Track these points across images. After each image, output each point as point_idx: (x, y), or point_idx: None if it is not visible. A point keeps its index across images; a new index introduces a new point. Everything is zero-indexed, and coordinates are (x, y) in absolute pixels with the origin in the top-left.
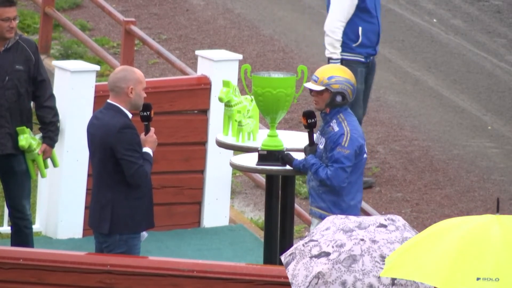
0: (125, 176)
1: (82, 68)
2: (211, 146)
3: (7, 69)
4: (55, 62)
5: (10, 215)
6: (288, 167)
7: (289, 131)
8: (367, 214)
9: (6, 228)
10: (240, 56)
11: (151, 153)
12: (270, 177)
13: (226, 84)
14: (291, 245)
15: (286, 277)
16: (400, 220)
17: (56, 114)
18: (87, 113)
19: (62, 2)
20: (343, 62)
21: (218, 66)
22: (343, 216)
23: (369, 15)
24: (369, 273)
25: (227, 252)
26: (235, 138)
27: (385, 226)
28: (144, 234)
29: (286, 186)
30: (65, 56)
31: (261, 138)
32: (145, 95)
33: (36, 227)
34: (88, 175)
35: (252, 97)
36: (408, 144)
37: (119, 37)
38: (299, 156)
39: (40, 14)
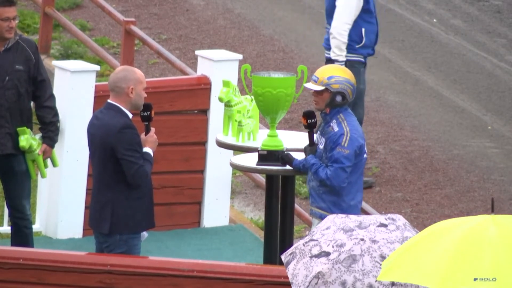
0: (126, 176)
1: (82, 68)
2: (211, 146)
3: (7, 69)
4: (55, 62)
5: (10, 215)
6: (288, 167)
7: (289, 131)
8: (367, 214)
9: (6, 228)
10: (240, 56)
11: (152, 153)
12: (270, 177)
13: (226, 84)
14: (291, 245)
15: (286, 277)
16: (400, 219)
17: (56, 114)
18: (87, 113)
19: (62, 2)
20: (346, 63)
21: (218, 66)
22: (343, 215)
23: (370, 15)
24: (369, 273)
25: (227, 252)
26: (235, 138)
27: (385, 225)
28: (145, 234)
29: (286, 186)
30: (65, 56)
31: (261, 138)
32: (145, 95)
33: (36, 227)
34: (88, 175)
35: (252, 97)
36: (408, 144)
37: (119, 37)
38: (299, 156)
39: (40, 14)
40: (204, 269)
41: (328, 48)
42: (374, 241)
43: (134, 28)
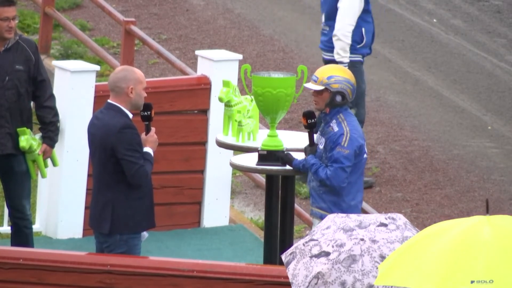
0: (126, 176)
1: (82, 68)
2: (211, 146)
3: (7, 69)
4: (55, 62)
5: (10, 215)
6: (288, 167)
7: (289, 131)
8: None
9: (6, 228)
10: (240, 56)
11: (152, 153)
12: (270, 177)
13: (226, 84)
14: (291, 245)
15: (286, 277)
16: (401, 219)
17: (56, 114)
18: (87, 113)
19: (62, 2)
20: (348, 63)
21: (218, 66)
22: (343, 215)
23: (368, 15)
24: (369, 274)
25: (227, 252)
26: (235, 138)
27: (385, 225)
28: (145, 234)
29: (286, 186)
30: (65, 56)
31: (261, 138)
32: (145, 94)
33: (36, 227)
34: (88, 175)
35: (252, 97)
36: (408, 144)
37: (119, 37)
38: (299, 156)
39: (40, 14)
40: (204, 269)
41: (327, 49)
42: (374, 241)
43: (134, 28)
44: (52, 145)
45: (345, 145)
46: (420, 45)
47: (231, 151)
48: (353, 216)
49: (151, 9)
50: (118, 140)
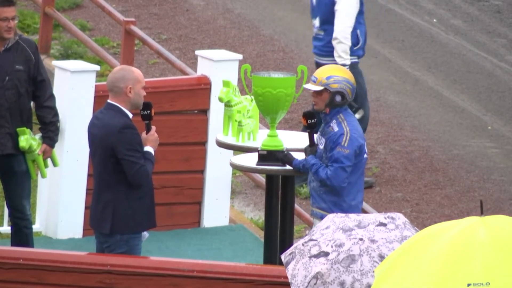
0: (126, 176)
1: (82, 68)
2: (211, 146)
3: (7, 69)
4: (55, 62)
5: (10, 215)
6: (288, 167)
7: (289, 131)
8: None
9: (6, 228)
10: (240, 56)
11: (153, 152)
12: (270, 177)
13: (226, 84)
14: (291, 245)
15: (286, 277)
16: (400, 218)
17: (56, 114)
18: (87, 113)
19: (62, 2)
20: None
21: (218, 66)
22: (343, 215)
23: (362, 16)
24: (368, 273)
25: (227, 252)
26: (235, 138)
27: (384, 224)
28: (145, 234)
29: (286, 186)
30: (65, 56)
31: (261, 138)
32: (144, 94)
33: (36, 227)
34: (88, 175)
35: (252, 97)
36: (408, 144)
37: (119, 37)
38: (299, 156)
39: (40, 14)
40: (204, 269)
41: (324, 55)
42: (373, 241)
43: (134, 28)
44: (52, 145)
45: (345, 145)
46: (420, 45)
47: (231, 151)
48: (352, 216)
49: (151, 9)
50: (118, 140)
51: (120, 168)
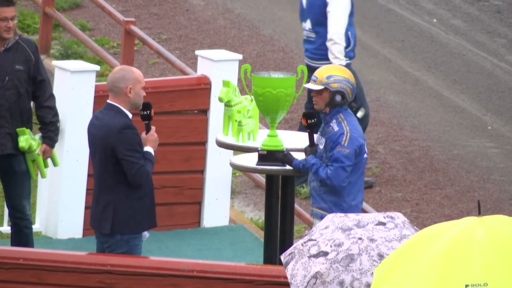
0: (126, 176)
1: (82, 68)
2: (211, 146)
3: (7, 69)
4: (55, 62)
5: (10, 215)
6: (288, 167)
7: (289, 131)
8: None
9: (6, 228)
10: (240, 56)
11: (153, 152)
12: (270, 177)
13: (226, 84)
14: (291, 245)
15: (286, 277)
16: (399, 217)
17: (56, 114)
18: (87, 113)
19: (62, 2)
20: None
21: (218, 66)
22: (342, 214)
23: (352, 18)
24: (367, 272)
25: (227, 252)
26: (235, 138)
27: (383, 224)
28: (146, 234)
29: (286, 186)
30: (65, 56)
31: (261, 138)
32: (144, 94)
33: (36, 227)
34: (88, 175)
35: (252, 97)
36: (408, 144)
37: (119, 37)
38: (299, 156)
39: (40, 14)
40: (204, 269)
41: (317, 58)
42: (372, 240)
43: (134, 28)
44: (52, 145)
45: (345, 144)
46: (420, 45)
47: (231, 151)
48: (352, 215)
49: (151, 9)
50: (118, 140)
51: (120, 168)
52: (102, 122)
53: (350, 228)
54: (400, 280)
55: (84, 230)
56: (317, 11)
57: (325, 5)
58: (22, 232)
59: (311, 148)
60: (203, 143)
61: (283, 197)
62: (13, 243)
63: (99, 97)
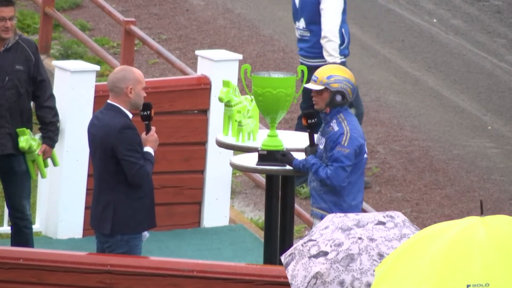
0: (126, 176)
1: (82, 68)
2: (211, 146)
3: (7, 69)
4: (55, 62)
5: (10, 215)
6: (288, 167)
7: (289, 131)
8: None
9: (6, 228)
10: (240, 56)
11: (152, 153)
12: (270, 177)
13: (226, 84)
14: (291, 245)
15: (286, 277)
16: (399, 217)
17: (56, 114)
18: (87, 113)
19: (62, 2)
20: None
21: (218, 66)
22: (342, 214)
23: (345, 15)
24: (367, 272)
25: (227, 252)
26: (235, 138)
27: (383, 223)
28: (146, 234)
29: (286, 186)
30: (65, 56)
31: (261, 138)
32: (145, 94)
33: (36, 227)
34: (88, 175)
35: (252, 97)
36: (408, 144)
37: (119, 37)
38: (299, 156)
39: (40, 14)
40: (204, 269)
41: (312, 56)
42: (372, 240)
43: (134, 28)
44: (52, 145)
45: (345, 144)
46: (420, 45)
47: (231, 151)
48: (351, 215)
49: (151, 9)
50: (118, 141)
51: (120, 169)
52: (102, 122)
53: (350, 228)
54: (400, 280)
55: (84, 230)
56: (311, 10)
57: (318, 3)
58: (22, 232)
59: (311, 148)
60: (203, 143)
61: (283, 197)
62: (13, 243)
63: (99, 97)
